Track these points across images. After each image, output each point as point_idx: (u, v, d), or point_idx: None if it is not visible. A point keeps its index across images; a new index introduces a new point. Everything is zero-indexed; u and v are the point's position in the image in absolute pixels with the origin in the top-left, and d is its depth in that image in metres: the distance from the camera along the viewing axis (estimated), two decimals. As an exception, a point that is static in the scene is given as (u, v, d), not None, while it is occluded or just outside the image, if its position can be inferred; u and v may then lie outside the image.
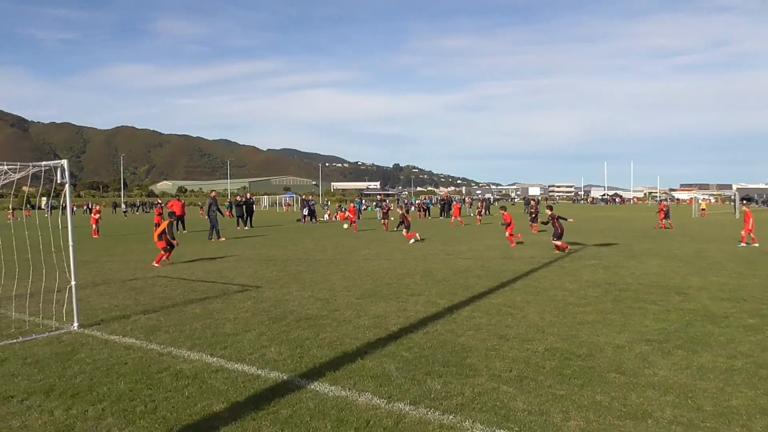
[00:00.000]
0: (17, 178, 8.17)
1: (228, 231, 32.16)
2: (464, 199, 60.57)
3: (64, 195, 8.30)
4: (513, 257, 16.73)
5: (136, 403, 5.21)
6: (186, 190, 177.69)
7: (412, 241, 22.39)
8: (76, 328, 8.16)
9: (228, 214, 54.78)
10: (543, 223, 19.44)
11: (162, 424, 4.73)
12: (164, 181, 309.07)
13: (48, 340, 7.53)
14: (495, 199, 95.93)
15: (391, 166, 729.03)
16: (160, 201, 35.14)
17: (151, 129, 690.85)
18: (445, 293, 10.80)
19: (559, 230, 18.29)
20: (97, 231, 28.18)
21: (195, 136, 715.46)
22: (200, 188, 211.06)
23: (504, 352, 6.78)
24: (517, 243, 20.59)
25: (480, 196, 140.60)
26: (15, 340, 7.46)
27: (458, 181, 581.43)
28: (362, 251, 19.21)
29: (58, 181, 8.11)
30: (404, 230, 24.13)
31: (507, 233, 21.07)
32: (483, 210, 40.72)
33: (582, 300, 10.02)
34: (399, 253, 18.58)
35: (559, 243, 18.07)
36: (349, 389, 5.54)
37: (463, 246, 20.76)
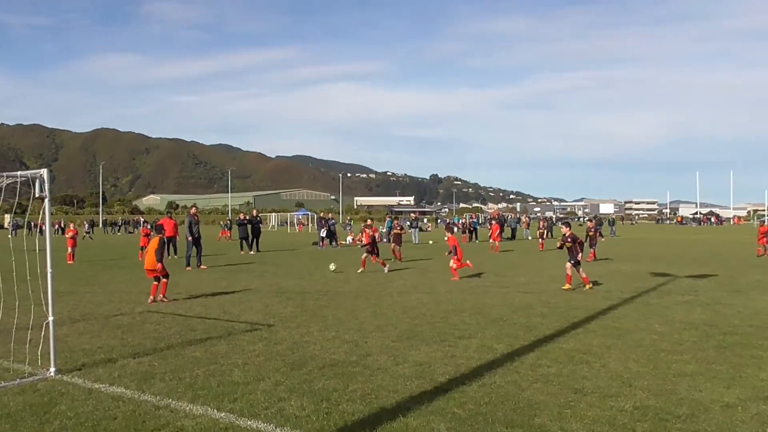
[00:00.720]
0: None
1: (230, 255, 32.52)
2: (519, 219, 60.20)
3: (43, 211, 8.50)
4: (585, 291, 16.55)
5: (131, 467, 5.26)
6: (177, 205, 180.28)
7: (386, 269, 22.51)
8: (53, 373, 8.29)
9: (225, 234, 55.60)
10: (558, 247, 18.10)
11: (163, 494, 4.77)
12: (151, 195, 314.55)
13: (20, 389, 7.67)
14: (557, 219, 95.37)
15: (428, 178, 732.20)
16: (144, 220, 35.72)
17: (137, 132, 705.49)
18: (503, 335, 10.73)
19: (577, 253, 17.28)
20: (73, 255, 28.78)
21: (189, 140, 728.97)
22: (194, 203, 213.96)
23: (581, 410, 6.68)
24: (464, 274, 20.59)
25: (539, 214, 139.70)
26: (-18, 388, 7.61)
27: (511, 196, 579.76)
28: (395, 282, 19.23)
29: (37, 194, 8.31)
30: (370, 255, 23.48)
31: (452, 263, 20.49)
32: (545, 232, 40.42)
33: (676, 346, 9.85)
34: (442, 284, 18.55)
35: (577, 273, 17.14)
36: (391, 455, 5.51)
37: (521, 277, 20.65)
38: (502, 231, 39.49)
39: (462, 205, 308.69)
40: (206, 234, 52.89)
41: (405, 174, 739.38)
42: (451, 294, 16.28)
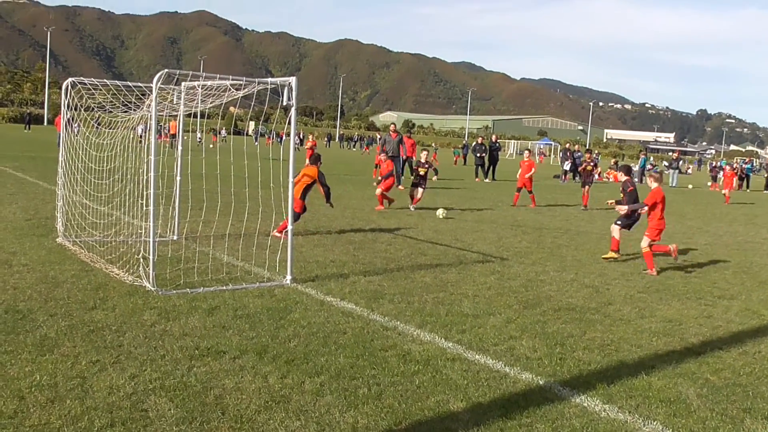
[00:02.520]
0: (241, 96, 9.18)
1: (466, 182, 33.04)
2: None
3: (288, 120, 9.14)
4: None
5: (359, 383, 5.65)
6: (414, 125, 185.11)
7: (413, 208, 19.09)
8: (288, 281, 9.07)
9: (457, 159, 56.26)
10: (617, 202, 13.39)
11: (389, 415, 5.07)
12: (388, 112, 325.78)
13: (259, 292, 8.49)
14: None
15: (694, 113, 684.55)
16: (380, 137, 37.04)
17: (379, 45, 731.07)
18: (774, 301, 9.93)
19: (628, 212, 12.74)
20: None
21: (431, 56, 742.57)
22: (431, 124, 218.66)
23: None
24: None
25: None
26: (225, 287, 8.54)
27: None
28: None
29: (284, 103, 8.94)
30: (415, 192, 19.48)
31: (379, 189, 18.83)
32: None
33: None
34: (702, 235, 17.47)
35: (616, 237, 12.79)
36: (630, 412, 5.40)
37: (802, 236, 18.82)
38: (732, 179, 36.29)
39: (733, 147, 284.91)
40: (440, 158, 53.93)
41: (666, 107, 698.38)
42: (713, 247, 15.30)
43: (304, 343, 6.65)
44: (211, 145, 48.52)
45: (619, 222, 12.79)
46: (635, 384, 6.05)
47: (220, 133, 64.26)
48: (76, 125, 11.61)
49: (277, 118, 13.13)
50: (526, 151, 25.32)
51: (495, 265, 11.40)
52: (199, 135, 59.00)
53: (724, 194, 32.57)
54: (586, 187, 23.34)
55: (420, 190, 19.07)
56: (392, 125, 28.16)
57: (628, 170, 13.78)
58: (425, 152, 20.44)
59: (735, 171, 38.15)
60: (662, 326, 8.13)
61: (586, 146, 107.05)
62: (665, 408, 5.55)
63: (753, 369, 6.70)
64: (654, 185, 12.21)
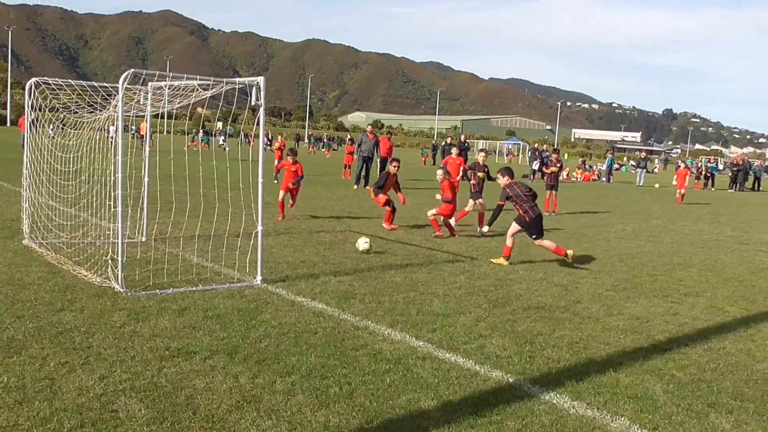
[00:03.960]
0: (209, 96, 9.17)
1: (435, 182, 33.15)
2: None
3: (257, 121, 9.14)
4: None
5: (330, 382, 5.68)
6: (383, 125, 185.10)
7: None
8: (258, 282, 9.07)
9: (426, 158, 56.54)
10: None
11: (360, 413, 5.12)
12: (357, 112, 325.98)
13: (229, 293, 8.48)
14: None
15: (660, 113, 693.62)
16: (350, 138, 37.15)
17: (347, 44, 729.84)
18: (737, 298, 10.13)
19: (521, 214, 12.03)
20: (278, 170, 30.76)
21: (399, 56, 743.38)
22: (400, 124, 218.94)
23: (829, 393, 6.20)
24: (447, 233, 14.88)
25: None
26: (195, 288, 8.52)
27: (761, 140, 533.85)
28: (614, 226, 18.69)
29: (252, 103, 8.95)
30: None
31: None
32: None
33: None
34: (668, 234, 17.75)
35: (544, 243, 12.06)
36: (598, 408, 5.50)
37: (765, 234, 19.19)
38: (745, 180, 36.40)
39: (698, 146, 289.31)
40: (408, 158, 54.03)
41: (633, 106, 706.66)
42: (678, 245, 15.54)
43: (275, 343, 6.66)
44: (186, 148, 48.08)
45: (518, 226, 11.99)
46: (603, 381, 6.15)
47: (218, 136, 63.18)
48: (51, 127, 11.47)
49: (245, 119, 13.10)
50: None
51: (464, 264, 11.49)
52: (222, 139, 58.40)
53: (680, 194, 30.85)
54: (553, 191, 21.16)
55: (477, 201, 16.11)
56: (369, 126, 28.42)
57: (509, 172, 12.48)
58: (482, 154, 17.68)
59: (688, 169, 36.98)
60: (630, 324, 8.26)
61: (554, 146, 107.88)
62: (632, 404, 5.65)
63: (718, 365, 6.84)
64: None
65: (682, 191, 31.03)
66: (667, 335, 7.85)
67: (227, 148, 50.73)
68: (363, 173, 26.77)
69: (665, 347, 7.35)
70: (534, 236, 11.99)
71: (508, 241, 11.95)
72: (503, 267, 11.43)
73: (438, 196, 14.69)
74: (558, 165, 22.14)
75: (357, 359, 6.34)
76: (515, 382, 6.01)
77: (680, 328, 8.20)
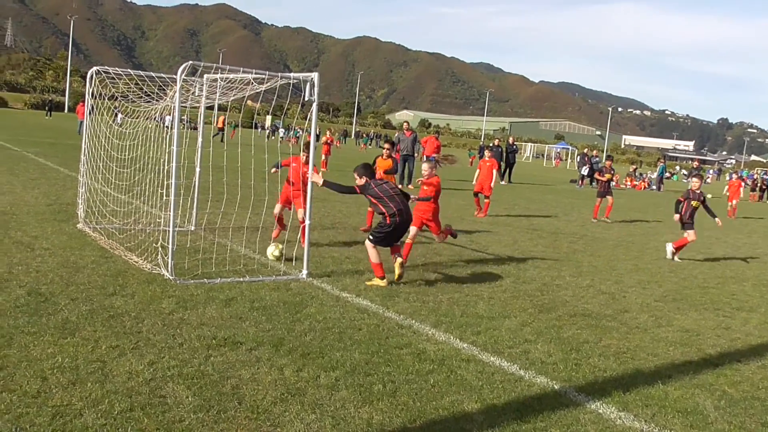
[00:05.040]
0: (263, 90, 9.24)
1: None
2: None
3: (309, 116, 9.18)
4: None
5: (373, 379, 5.68)
6: (430, 124, 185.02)
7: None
8: (304, 276, 9.12)
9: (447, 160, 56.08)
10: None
11: (403, 412, 5.11)
12: (404, 111, 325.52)
13: (275, 285, 8.54)
14: None
15: (715, 122, 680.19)
16: (387, 137, 37.07)
17: (397, 43, 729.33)
18: (792, 315, 9.89)
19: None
20: (326, 163, 30.93)
21: (449, 56, 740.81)
22: (447, 124, 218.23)
23: None
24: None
25: None
26: (242, 279, 8.61)
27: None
28: (664, 236, 18.35)
29: (306, 98, 9.00)
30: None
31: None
32: None
33: None
34: (720, 246, 17.39)
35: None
36: (646, 421, 5.41)
37: (820, 250, 18.69)
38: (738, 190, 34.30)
39: (755, 157, 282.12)
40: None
41: (687, 115, 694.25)
42: (732, 260, 15.22)
43: (320, 337, 6.69)
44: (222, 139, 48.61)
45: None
46: (651, 393, 6.05)
47: (266, 129, 63.94)
48: (120, 116, 11.65)
49: (297, 114, 13.18)
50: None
51: (510, 267, 11.40)
52: (282, 132, 59.04)
53: (731, 206, 29.68)
54: (609, 198, 20.84)
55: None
56: (405, 123, 28.09)
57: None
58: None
59: (742, 180, 35.74)
60: (679, 336, 8.11)
61: (603, 151, 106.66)
62: (682, 418, 5.55)
63: (770, 382, 6.69)
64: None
65: (734, 203, 30.01)
66: (718, 350, 7.69)
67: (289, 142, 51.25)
68: (405, 171, 26.65)
69: (716, 362, 7.20)
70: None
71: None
72: (541, 273, 11.26)
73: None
74: (612, 172, 21.80)
75: (401, 358, 6.33)
76: (560, 390, 5.95)
77: (732, 343, 8.03)
